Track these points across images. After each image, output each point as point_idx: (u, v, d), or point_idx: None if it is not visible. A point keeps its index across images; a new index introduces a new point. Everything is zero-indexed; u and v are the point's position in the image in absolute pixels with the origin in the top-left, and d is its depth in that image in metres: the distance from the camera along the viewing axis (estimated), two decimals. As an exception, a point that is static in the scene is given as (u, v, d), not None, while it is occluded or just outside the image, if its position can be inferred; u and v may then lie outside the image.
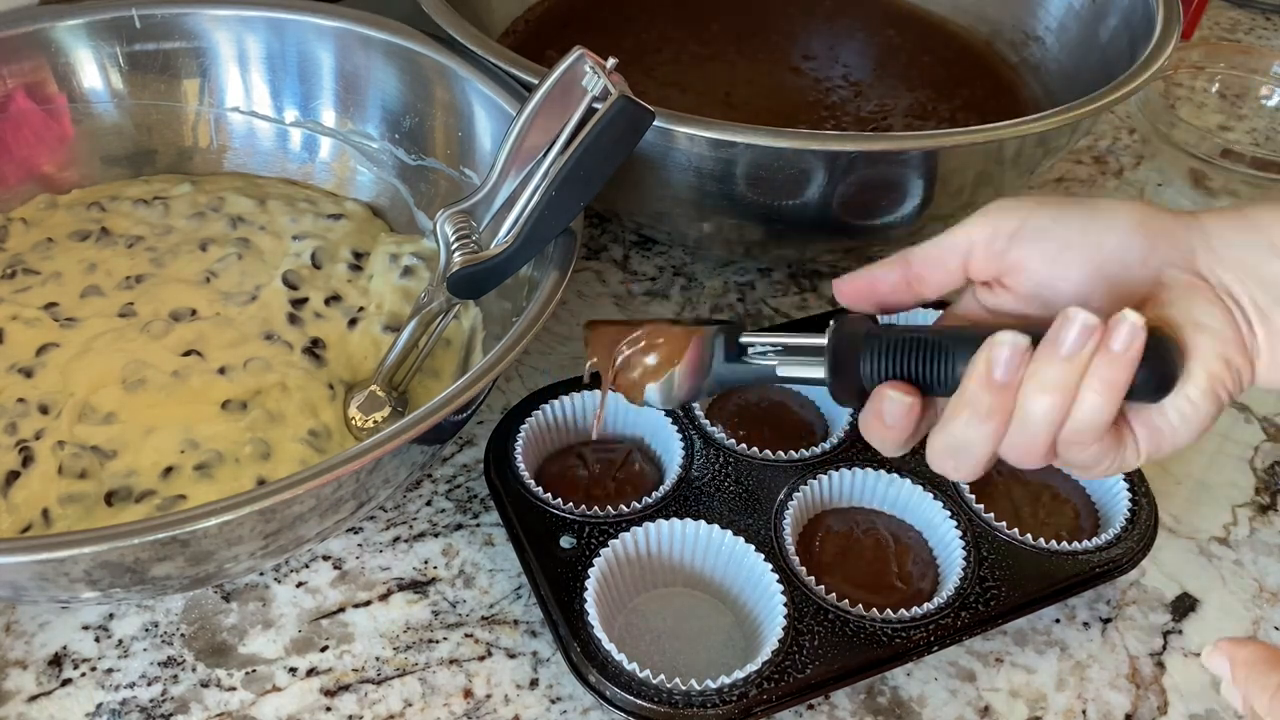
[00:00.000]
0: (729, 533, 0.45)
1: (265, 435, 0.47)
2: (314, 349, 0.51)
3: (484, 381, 0.40)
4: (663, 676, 0.40)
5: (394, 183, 0.59)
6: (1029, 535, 0.46)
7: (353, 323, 0.53)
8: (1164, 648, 0.47)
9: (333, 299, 0.54)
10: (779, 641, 0.42)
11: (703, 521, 0.45)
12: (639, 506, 0.46)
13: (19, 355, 0.50)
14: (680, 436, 0.49)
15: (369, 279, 0.55)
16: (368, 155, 0.60)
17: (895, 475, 0.48)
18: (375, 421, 0.49)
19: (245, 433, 0.47)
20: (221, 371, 0.50)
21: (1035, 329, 0.33)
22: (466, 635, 0.46)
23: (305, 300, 0.53)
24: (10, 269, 0.54)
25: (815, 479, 0.48)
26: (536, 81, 0.45)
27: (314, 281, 0.55)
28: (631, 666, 0.41)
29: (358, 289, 0.55)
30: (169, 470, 0.46)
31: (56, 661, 0.44)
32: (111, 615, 0.46)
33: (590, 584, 0.43)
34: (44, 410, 0.48)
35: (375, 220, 0.60)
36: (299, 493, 0.36)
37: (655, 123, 0.45)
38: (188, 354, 0.50)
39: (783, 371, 0.39)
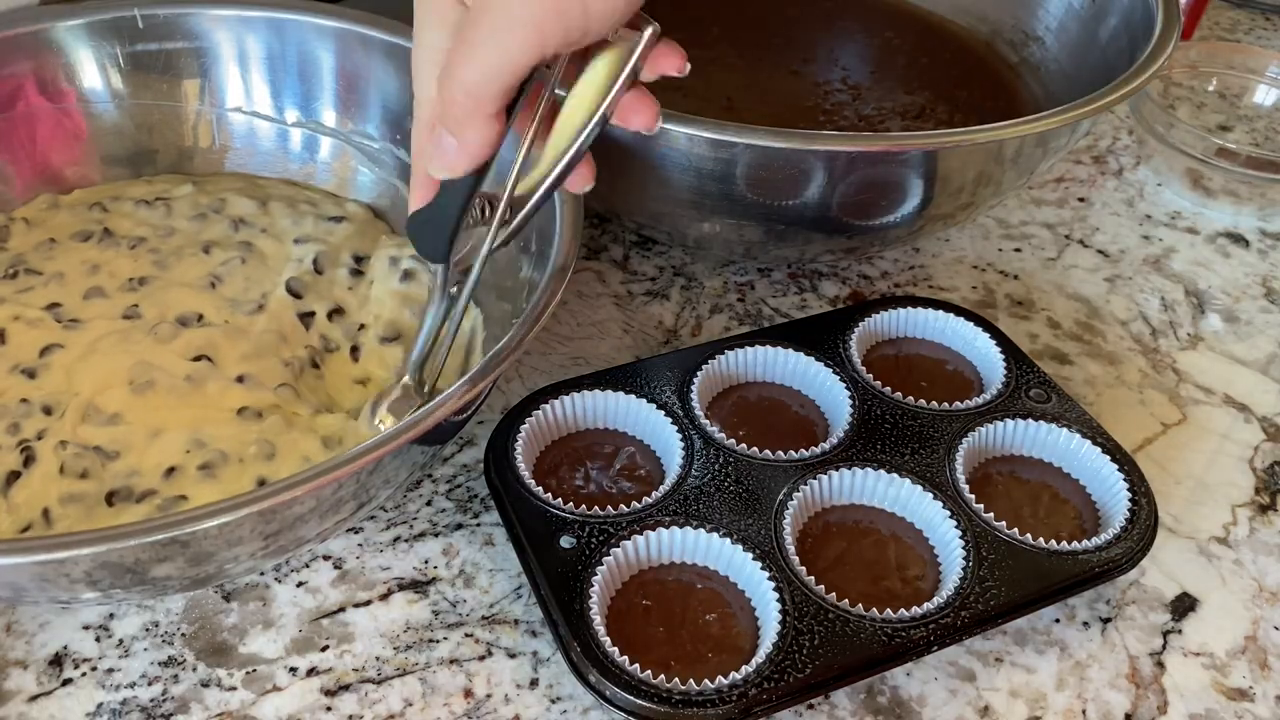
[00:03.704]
0: (728, 540, 0.45)
1: (274, 439, 0.47)
2: (319, 365, 0.51)
3: (485, 383, 0.40)
4: (663, 676, 0.40)
5: (395, 183, 0.60)
6: (1029, 535, 0.46)
7: (355, 349, 0.52)
8: (1164, 647, 0.47)
9: (336, 312, 0.53)
10: (778, 641, 0.42)
11: (702, 531, 0.45)
12: (639, 507, 0.46)
13: (22, 356, 0.50)
14: (680, 436, 0.49)
15: (369, 284, 0.55)
16: (369, 156, 0.60)
17: (895, 475, 0.48)
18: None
19: (254, 434, 0.47)
20: (240, 380, 0.49)
21: None
22: (467, 635, 0.46)
23: (312, 314, 0.53)
24: (12, 269, 0.54)
25: (815, 479, 0.48)
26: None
27: (317, 288, 0.54)
28: (633, 667, 0.41)
29: (358, 296, 0.55)
30: (171, 470, 0.46)
31: (57, 661, 0.44)
32: (112, 615, 0.46)
33: (595, 590, 0.43)
34: (47, 411, 0.48)
35: (376, 222, 0.60)
36: (299, 494, 0.36)
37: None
38: (198, 359, 0.50)
39: None
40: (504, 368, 0.41)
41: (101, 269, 0.54)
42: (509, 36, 0.34)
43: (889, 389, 0.52)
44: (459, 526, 0.50)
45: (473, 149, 0.37)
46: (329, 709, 0.43)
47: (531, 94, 0.39)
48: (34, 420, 0.47)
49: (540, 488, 0.47)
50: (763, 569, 0.44)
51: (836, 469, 0.48)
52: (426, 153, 0.39)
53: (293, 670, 0.44)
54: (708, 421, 0.50)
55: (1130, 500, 0.48)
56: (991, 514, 0.47)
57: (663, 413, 0.50)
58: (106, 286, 0.54)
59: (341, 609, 0.46)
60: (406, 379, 0.47)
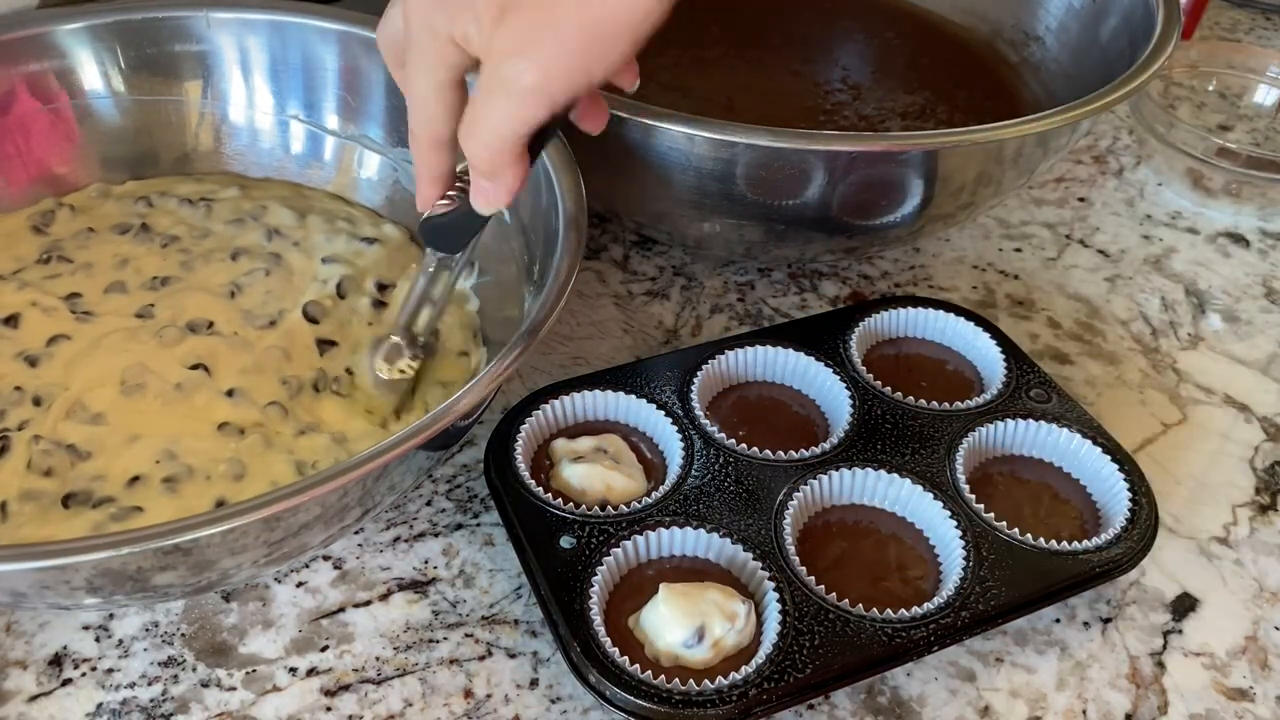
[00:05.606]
0: (728, 540, 0.45)
1: (247, 460, 0.46)
2: (320, 389, 0.50)
3: (492, 386, 0.40)
4: (663, 677, 0.40)
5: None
6: (1029, 535, 0.46)
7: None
8: (1164, 648, 0.47)
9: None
10: (778, 641, 0.42)
11: (702, 530, 0.45)
12: (639, 507, 0.46)
13: (29, 343, 0.50)
14: (680, 436, 0.49)
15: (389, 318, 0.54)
16: (385, 161, 0.59)
17: (895, 475, 0.48)
18: (402, 371, 0.48)
19: (229, 453, 0.46)
20: (230, 394, 0.48)
21: None
22: (466, 635, 0.46)
23: (330, 344, 0.52)
24: (46, 254, 0.54)
25: (815, 479, 0.48)
26: None
27: (337, 315, 0.53)
28: (633, 667, 0.41)
29: (374, 333, 0.53)
30: (135, 479, 0.45)
31: (57, 661, 0.44)
32: (112, 615, 0.46)
33: (595, 590, 0.43)
34: (36, 402, 0.47)
35: (409, 247, 0.58)
36: (304, 500, 0.36)
37: (656, 123, 0.44)
38: (195, 367, 0.49)
39: None
40: (511, 369, 0.41)
41: (129, 264, 0.54)
42: (521, 104, 0.37)
43: (889, 389, 0.52)
44: (459, 526, 0.50)
45: (510, 185, 0.40)
46: (329, 709, 0.43)
47: None
48: (21, 410, 0.47)
49: (540, 488, 0.47)
50: (763, 569, 0.44)
51: (836, 469, 0.48)
52: (433, 167, 0.43)
53: (292, 670, 0.44)
54: (708, 421, 0.50)
55: (1130, 500, 0.48)
56: (992, 514, 0.47)
57: (663, 412, 0.50)
58: (129, 282, 0.54)
59: (341, 609, 0.46)
60: (394, 337, 0.49)
